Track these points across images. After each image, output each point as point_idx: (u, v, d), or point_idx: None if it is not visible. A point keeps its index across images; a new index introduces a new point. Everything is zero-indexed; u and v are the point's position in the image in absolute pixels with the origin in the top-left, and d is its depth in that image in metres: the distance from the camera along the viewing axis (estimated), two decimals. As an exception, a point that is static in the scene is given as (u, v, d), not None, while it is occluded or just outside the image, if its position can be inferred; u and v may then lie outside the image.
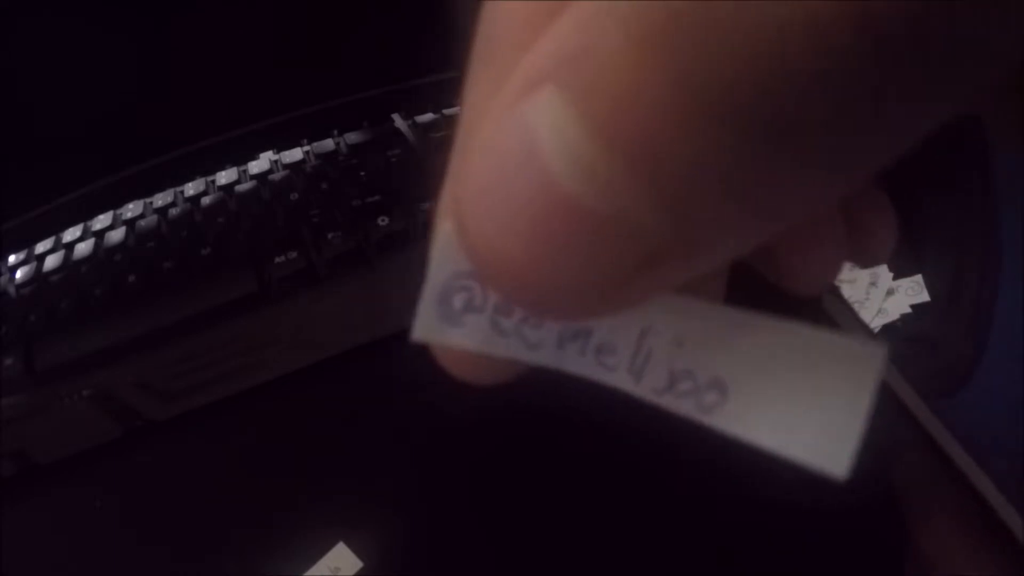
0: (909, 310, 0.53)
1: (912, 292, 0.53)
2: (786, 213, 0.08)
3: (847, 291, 0.39)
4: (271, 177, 0.41)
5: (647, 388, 0.10)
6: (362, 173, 0.40)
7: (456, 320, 0.10)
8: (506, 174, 0.08)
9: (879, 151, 0.07)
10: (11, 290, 0.40)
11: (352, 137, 0.43)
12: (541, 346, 0.10)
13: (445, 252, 0.10)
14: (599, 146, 0.07)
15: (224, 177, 0.42)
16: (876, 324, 0.53)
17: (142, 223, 0.41)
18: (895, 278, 0.54)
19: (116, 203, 0.43)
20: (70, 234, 0.42)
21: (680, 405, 0.10)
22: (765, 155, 0.07)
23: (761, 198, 0.08)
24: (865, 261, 0.11)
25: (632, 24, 0.07)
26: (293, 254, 0.36)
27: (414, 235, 0.36)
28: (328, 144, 0.43)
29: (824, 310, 0.33)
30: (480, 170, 0.09)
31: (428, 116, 0.43)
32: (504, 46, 0.09)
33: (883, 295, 0.53)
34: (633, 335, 0.10)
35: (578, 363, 0.10)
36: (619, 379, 0.10)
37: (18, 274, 0.40)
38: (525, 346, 0.10)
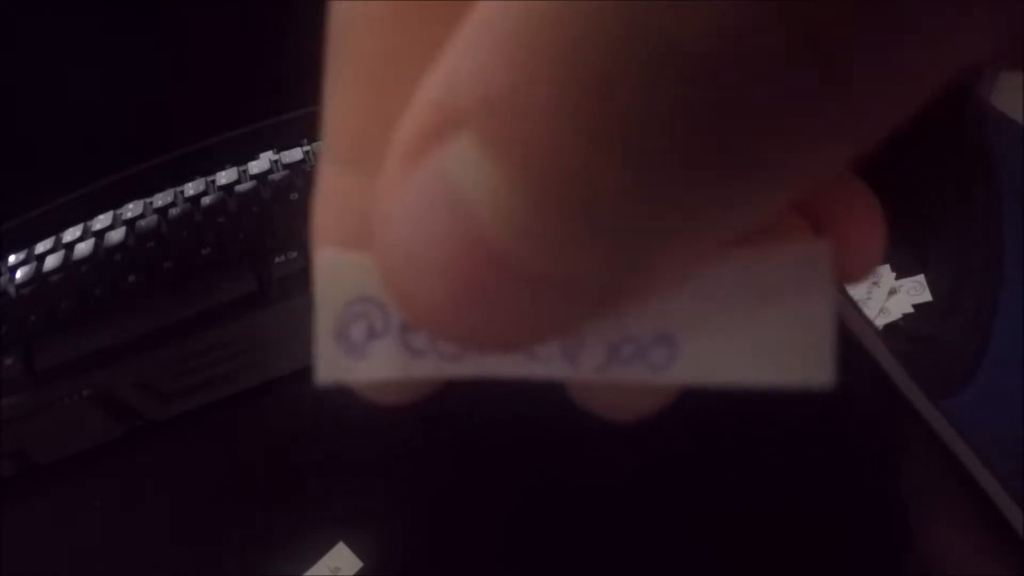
0: (911, 310, 0.53)
1: (914, 292, 0.53)
2: (721, 240, 0.08)
3: (849, 290, 0.39)
4: (271, 177, 0.41)
5: (587, 368, 0.09)
6: (362, 173, 0.40)
7: (361, 352, 0.09)
8: (430, 228, 0.07)
9: (815, 162, 0.07)
10: (11, 290, 0.40)
11: (352, 137, 0.43)
12: (463, 356, 0.09)
13: (332, 281, 0.09)
14: (525, 198, 0.07)
15: (224, 177, 0.42)
16: (878, 323, 0.52)
17: (142, 223, 0.41)
18: (897, 278, 0.54)
19: (116, 203, 0.43)
20: (70, 234, 0.42)
21: (628, 373, 0.09)
22: (699, 202, 0.07)
23: (698, 234, 0.07)
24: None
25: (567, 71, 0.06)
26: (293, 254, 0.36)
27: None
28: (328, 144, 0.43)
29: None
30: (403, 232, 0.08)
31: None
32: (369, 55, 0.09)
33: (885, 295, 0.53)
34: None
35: (507, 365, 0.09)
36: (555, 368, 0.09)
37: (18, 274, 0.40)
38: (445, 361, 0.09)
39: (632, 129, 0.06)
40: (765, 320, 0.08)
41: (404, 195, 0.08)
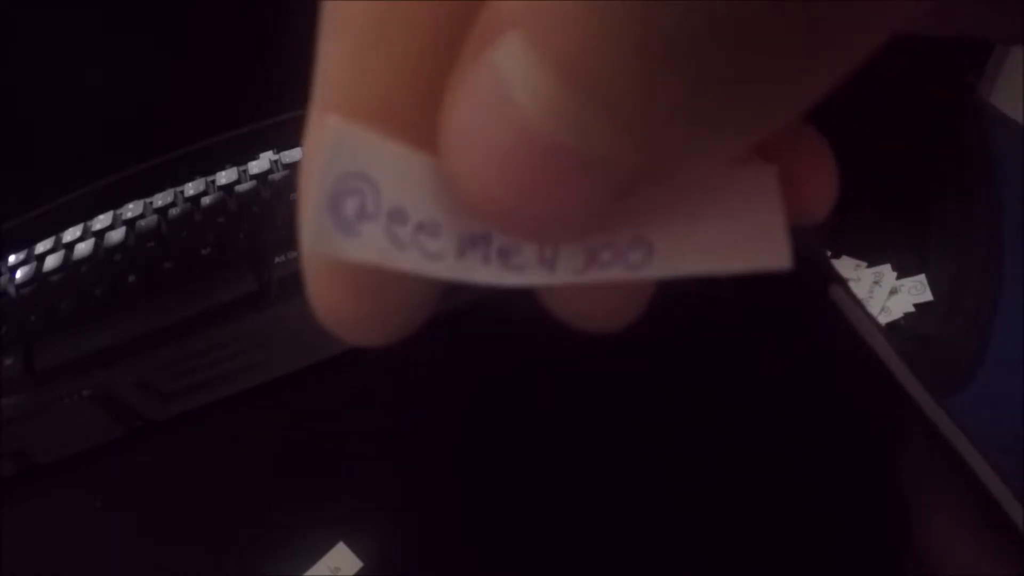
0: (912, 309, 0.52)
1: (915, 291, 0.53)
2: (743, 135, 0.09)
3: (852, 289, 0.39)
4: (271, 177, 0.41)
5: (565, 272, 0.10)
6: (362, 172, 0.40)
7: (350, 229, 0.09)
8: (483, 118, 0.09)
9: (832, 62, 0.08)
10: (11, 290, 0.40)
11: (352, 137, 0.43)
12: (441, 256, 0.10)
13: (336, 149, 0.09)
14: (564, 87, 0.08)
15: (224, 177, 0.42)
16: (880, 322, 0.52)
17: (142, 223, 0.41)
18: (899, 277, 0.54)
19: (116, 203, 0.43)
20: (70, 234, 0.42)
21: (607, 274, 0.10)
22: (719, 86, 0.08)
23: (718, 124, 0.08)
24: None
25: None
26: (293, 254, 0.36)
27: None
28: (328, 144, 0.43)
29: (831, 302, 0.32)
30: (460, 120, 0.09)
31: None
32: (360, 6, 0.10)
33: (886, 294, 0.53)
34: None
35: (483, 272, 0.10)
36: (532, 277, 0.10)
37: (18, 274, 0.40)
38: (425, 257, 0.10)
39: (647, 25, 0.07)
40: (729, 225, 0.10)
41: (463, 87, 0.09)
